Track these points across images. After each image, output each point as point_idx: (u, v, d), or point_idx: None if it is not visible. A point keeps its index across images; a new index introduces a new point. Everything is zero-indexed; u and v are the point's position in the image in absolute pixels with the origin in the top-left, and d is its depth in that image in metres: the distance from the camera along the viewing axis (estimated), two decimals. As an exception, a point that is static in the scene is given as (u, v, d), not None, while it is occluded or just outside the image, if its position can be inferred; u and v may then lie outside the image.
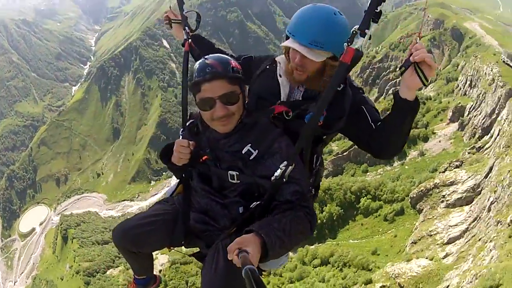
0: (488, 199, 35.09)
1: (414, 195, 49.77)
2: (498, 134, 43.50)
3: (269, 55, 3.01)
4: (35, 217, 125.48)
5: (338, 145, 73.03)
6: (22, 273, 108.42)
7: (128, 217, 3.04)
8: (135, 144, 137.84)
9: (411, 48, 2.12)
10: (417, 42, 2.12)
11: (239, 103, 2.38)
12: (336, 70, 2.19)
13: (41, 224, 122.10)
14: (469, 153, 48.23)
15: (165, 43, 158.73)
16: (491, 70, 52.79)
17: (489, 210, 34.44)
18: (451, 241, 39.81)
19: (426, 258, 39.03)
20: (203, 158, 2.53)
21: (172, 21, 3.49)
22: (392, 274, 39.19)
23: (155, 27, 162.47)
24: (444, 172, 48.45)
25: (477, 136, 50.39)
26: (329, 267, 48.67)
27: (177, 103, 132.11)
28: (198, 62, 2.38)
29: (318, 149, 2.76)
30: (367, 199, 55.62)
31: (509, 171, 33.41)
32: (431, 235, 42.66)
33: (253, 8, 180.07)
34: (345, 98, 2.51)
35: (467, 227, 38.21)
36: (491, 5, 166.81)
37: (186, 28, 3.29)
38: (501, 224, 30.10)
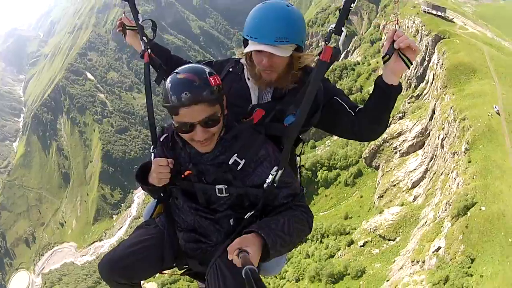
0: (439, 137, 38.46)
1: (367, 155, 52.97)
2: (433, 79, 47.05)
3: (228, 58, 2.97)
4: (19, 285, 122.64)
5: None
6: None
7: (111, 249, 2.96)
8: (87, 184, 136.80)
9: (391, 36, 2.14)
10: (396, 30, 2.14)
11: (220, 123, 2.23)
12: (315, 69, 2.16)
13: None
14: (408, 103, 51.94)
15: (89, 75, 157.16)
16: (413, 22, 56.35)
17: (442, 146, 37.80)
18: (415, 184, 43.14)
19: (397, 205, 42.10)
20: (185, 173, 2.41)
21: (127, 27, 3.26)
22: (370, 229, 41.92)
23: (77, 62, 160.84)
24: (389, 126, 51.86)
25: (413, 86, 53.96)
26: (309, 243, 50.60)
27: (115, 132, 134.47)
28: (170, 81, 2.14)
29: (297, 148, 2.82)
30: (323, 171, 58.19)
31: (451, 107, 36.95)
32: (395, 185, 45.87)
33: (166, 19, 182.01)
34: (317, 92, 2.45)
35: (426, 167, 41.59)
36: None
37: (144, 38, 3.08)
38: (457, 154, 33.40)
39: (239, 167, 2.24)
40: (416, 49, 2.09)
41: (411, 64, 2.13)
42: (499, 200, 26.59)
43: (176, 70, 2.16)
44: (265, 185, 2.20)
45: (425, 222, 34.44)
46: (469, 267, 24.97)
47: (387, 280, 34.18)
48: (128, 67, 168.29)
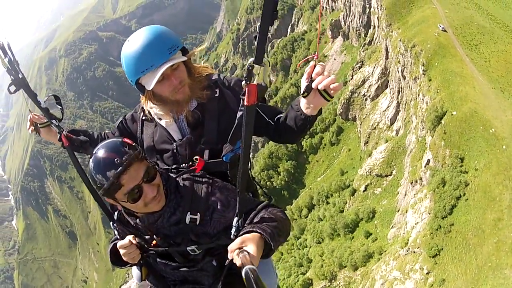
0: (398, 70, 42.05)
1: (341, 110, 56.32)
2: (378, 21, 50.44)
3: (135, 108, 2.79)
4: None
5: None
6: None
7: None
8: (93, 234, 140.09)
9: (310, 73, 1.93)
10: (315, 65, 1.90)
11: (157, 175, 2.16)
12: (244, 115, 1.95)
13: None
14: (363, 51, 55.52)
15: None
16: None
17: (404, 77, 41.33)
18: (393, 120, 46.59)
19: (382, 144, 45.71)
20: (153, 243, 2.36)
21: (40, 125, 2.99)
22: (366, 172, 45.08)
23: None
24: (352, 77, 55.45)
25: (362, 34, 57.39)
26: (317, 208, 53.39)
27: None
28: (93, 166, 2.04)
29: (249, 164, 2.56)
30: (307, 139, 61.30)
31: (400, 39, 40.57)
32: (375, 128, 49.27)
33: (112, 52, 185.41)
34: (229, 104, 2.48)
35: (397, 101, 45.09)
36: None
37: (54, 121, 2.85)
38: (418, 78, 36.99)
39: (197, 223, 2.22)
40: (337, 88, 1.91)
41: (332, 98, 1.95)
42: (467, 101, 29.90)
43: (93, 158, 2.07)
44: (232, 236, 2.16)
45: (412, 147, 38.05)
46: (461, 166, 27.90)
47: (398, 211, 37.55)
48: (92, 111, 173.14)
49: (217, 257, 2.35)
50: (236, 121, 2.33)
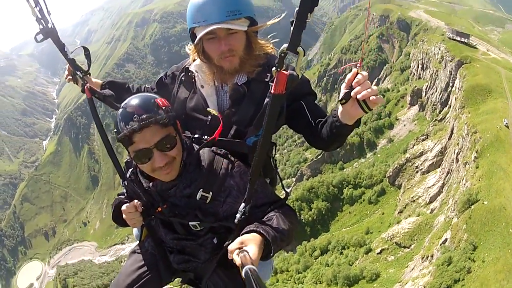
0: (454, 152, 42.30)
1: (391, 174, 56.56)
2: (454, 101, 50.82)
3: (179, 65, 2.80)
4: (31, 273, 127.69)
5: (311, 153, 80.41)
6: None
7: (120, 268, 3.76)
8: (115, 189, 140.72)
9: (351, 79, 1.89)
10: (358, 73, 1.86)
11: (177, 146, 2.18)
12: (269, 103, 1.89)
13: (37, 278, 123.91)
14: (432, 126, 55.86)
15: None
16: (439, 49, 60.18)
17: (457, 160, 41.60)
18: (432, 199, 46.63)
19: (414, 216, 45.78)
20: (158, 209, 2.41)
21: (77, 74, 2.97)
22: (387, 237, 45.50)
23: (114, 72, 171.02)
24: (413, 147, 55.87)
25: (437, 110, 57.65)
26: (329, 254, 53.72)
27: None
28: (119, 114, 2.11)
29: (271, 153, 2.73)
30: (349, 188, 61.60)
31: (466, 123, 41.08)
32: (414, 201, 49.38)
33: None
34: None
35: (443, 182, 45.23)
36: None
37: (78, 72, 2.92)
38: (468, 163, 37.30)
39: (207, 201, 2.24)
40: (377, 101, 1.84)
41: (370, 110, 1.89)
42: (501, 196, 30.11)
43: (122, 104, 2.13)
44: (235, 220, 2.17)
45: (437, 227, 38.20)
46: (472, 253, 28.26)
47: (399, 282, 37.65)
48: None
49: (218, 235, 2.40)
50: (263, 108, 2.27)
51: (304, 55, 1.82)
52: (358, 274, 43.20)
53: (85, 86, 2.81)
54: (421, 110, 63.22)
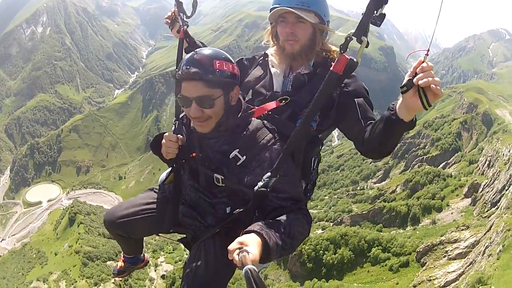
0: (484, 245, 43.57)
1: (421, 250, 57.32)
2: (504, 206, 51.77)
3: (261, 52, 3.17)
4: (45, 192, 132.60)
5: (358, 207, 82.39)
6: (13, 235, 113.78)
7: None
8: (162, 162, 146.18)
9: (416, 67, 1.93)
10: (423, 61, 1.89)
11: (216, 108, 2.33)
12: (325, 80, 2.12)
13: (49, 200, 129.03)
14: (474, 220, 56.74)
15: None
16: (509, 151, 61.30)
17: (483, 253, 42.95)
18: (447, 284, 47.59)
19: (422, 291, 47.08)
20: (193, 154, 2.61)
21: (177, 18, 3.49)
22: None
23: None
24: (450, 233, 56.79)
25: (486, 209, 58.42)
26: None
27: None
28: (189, 54, 2.38)
29: (316, 150, 2.82)
30: (378, 249, 62.99)
31: (504, 221, 42.51)
32: (430, 280, 50.43)
33: None
34: None
35: (463, 271, 46.32)
36: None
37: (181, 14, 3.35)
38: (491, 256, 38.80)
39: (238, 163, 2.38)
40: (438, 93, 1.87)
41: (429, 106, 1.92)
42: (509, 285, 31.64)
43: (197, 49, 2.39)
44: (255, 188, 2.28)
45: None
46: None
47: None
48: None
49: (232, 204, 2.54)
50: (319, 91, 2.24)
51: (367, 46, 2.03)
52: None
53: (182, 28, 3.29)
54: (472, 204, 63.76)
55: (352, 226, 71.69)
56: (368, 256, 63.56)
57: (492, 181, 61.30)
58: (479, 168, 70.99)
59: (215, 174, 2.46)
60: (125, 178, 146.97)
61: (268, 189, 2.27)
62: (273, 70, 2.89)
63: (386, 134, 2.29)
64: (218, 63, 2.31)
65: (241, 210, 2.43)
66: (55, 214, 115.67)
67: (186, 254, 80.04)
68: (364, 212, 76.21)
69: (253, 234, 1.96)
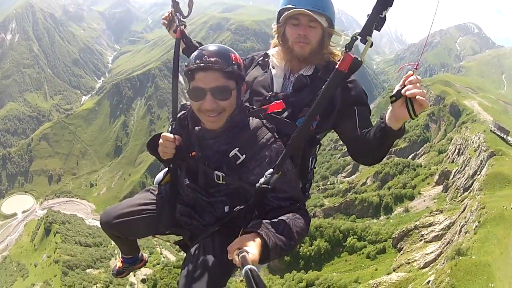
0: (460, 225, 45.47)
1: (396, 236, 59.38)
2: (477, 188, 53.38)
3: (260, 52, 3.23)
4: (19, 204, 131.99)
5: (329, 201, 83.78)
6: None
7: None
8: (134, 166, 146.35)
9: (405, 79, 2.14)
10: (413, 74, 2.11)
11: (231, 100, 2.39)
12: (330, 77, 2.15)
13: (24, 212, 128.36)
14: (448, 204, 58.92)
15: (181, 78, 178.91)
16: (478, 138, 63.84)
17: (459, 232, 44.73)
18: (427, 264, 49.05)
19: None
20: (192, 154, 2.60)
21: (174, 14, 3.40)
22: (374, 284, 48.20)
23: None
24: (425, 218, 58.54)
25: (458, 195, 60.64)
26: None
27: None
28: (197, 51, 2.41)
29: (313, 150, 2.93)
30: (353, 238, 64.64)
31: (477, 202, 44.49)
32: (409, 263, 51.91)
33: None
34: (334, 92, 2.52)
35: (441, 251, 48.04)
36: (496, 85, 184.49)
37: (178, 14, 3.31)
38: (468, 232, 40.55)
39: (238, 162, 2.42)
40: (423, 104, 2.07)
41: (415, 116, 2.12)
42: (489, 256, 33.07)
43: (202, 47, 2.46)
44: (257, 185, 2.32)
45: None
46: None
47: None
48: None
49: (231, 202, 2.55)
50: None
51: (371, 46, 2.11)
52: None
53: (179, 28, 3.27)
54: (444, 191, 66.02)
55: (325, 219, 72.71)
56: (344, 246, 65.12)
57: (463, 167, 63.74)
58: (449, 157, 73.55)
59: (215, 172, 2.47)
60: (96, 185, 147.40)
61: (269, 186, 2.32)
62: (273, 71, 2.92)
63: (378, 142, 2.46)
64: (233, 56, 2.40)
65: (242, 207, 2.46)
66: (31, 225, 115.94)
67: (164, 257, 78.64)
68: (336, 205, 77.89)
69: (252, 234, 2.00)
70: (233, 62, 2.36)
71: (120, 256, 3.78)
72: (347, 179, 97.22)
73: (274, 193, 2.38)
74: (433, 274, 36.31)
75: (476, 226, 39.22)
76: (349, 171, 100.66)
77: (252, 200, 2.41)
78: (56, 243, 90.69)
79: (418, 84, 2.10)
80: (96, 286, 73.67)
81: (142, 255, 3.79)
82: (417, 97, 2.06)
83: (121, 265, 3.78)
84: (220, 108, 2.37)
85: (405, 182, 73.99)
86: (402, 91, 2.13)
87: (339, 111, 2.71)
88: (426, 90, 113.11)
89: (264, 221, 2.18)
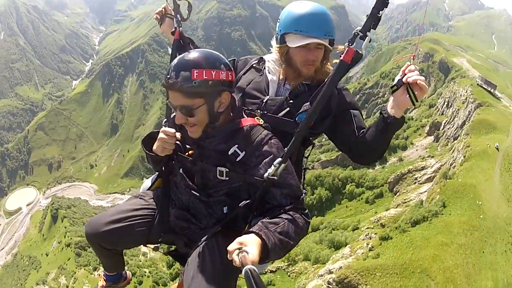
0: (449, 163, 51.92)
1: (392, 180, 65.41)
2: (464, 133, 59.02)
3: (254, 55, 3.23)
4: (23, 198, 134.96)
5: (326, 156, 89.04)
6: (2, 249, 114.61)
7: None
8: (131, 142, 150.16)
9: (404, 69, 2.36)
10: (410, 64, 2.34)
11: (198, 117, 2.35)
12: (335, 69, 2.39)
13: (28, 205, 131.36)
14: (439, 150, 65.29)
15: (170, 51, 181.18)
16: (466, 91, 68.26)
17: (449, 170, 50.91)
18: (422, 202, 55.93)
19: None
20: (189, 152, 2.57)
21: (167, 15, 3.51)
22: (374, 219, 54.57)
23: (163, 35, 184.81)
24: (417, 163, 65.14)
25: (449, 144, 65.55)
26: (319, 232, 60.75)
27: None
28: (176, 58, 2.38)
29: (306, 151, 3.01)
30: (352, 185, 70.35)
31: (463, 143, 50.71)
32: (406, 202, 58.11)
33: (256, 29, 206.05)
34: (331, 97, 2.65)
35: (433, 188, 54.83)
36: (486, 45, 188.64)
37: (178, 16, 3.38)
38: (456, 166, 46.92)
39: (238, 159, 2.42)
40: (424, 88, 2.27)
41: (417, 101, 2.30)
42: (474, 179, 38.62)
43: (184, 53, 2.38)
44: (265, 175, 2.34)
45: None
46: (441, 207, 36.00)
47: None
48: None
49: (231, 206, 2.55)
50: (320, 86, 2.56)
51: (370, 41, 2.34)
52: (342, 240, 50.93)
53: (177, 29, 3.41)
54: (435, 141, 71.23)
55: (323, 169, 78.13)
56: (344, 193, 70.87)
57: (452, 118, 68.95)
58: (439, 109, 78.38)
59: (218, 168, 2.45)
60: (96, 165, 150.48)
61: (276, 177, 2.35)
62: (269, 76, 2.95)
63: (380, 135, 2.59)
64: (196, 73, 2.27)
65: (247, 201, 2.45)
66: (37, 216, 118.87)
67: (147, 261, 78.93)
68: (333, 158, 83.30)
69: (252, 235, 2.01)
70: (195, 80, 2.27)
71: (103, 274, 3.52)
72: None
73: (278, 188, 2.41)
74: (426, 192, 42.22)
75: (462, 160, 45.56)
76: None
77: (258, 193, 2.43)
78: (65, 227, 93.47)
79: (417, 72, 2.35)
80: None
81: (126, 272, 3.62)
82: (418, 82, 2.30)
83: (104, 284, 3.52)
84: (189, 123, 2.41)
85: (397, 134, 77.36)
86: (404, 79, 2.38)
87: (335, 116, 2.81)
88: (415, 47, 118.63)
89: (263, 221, 2.22)
